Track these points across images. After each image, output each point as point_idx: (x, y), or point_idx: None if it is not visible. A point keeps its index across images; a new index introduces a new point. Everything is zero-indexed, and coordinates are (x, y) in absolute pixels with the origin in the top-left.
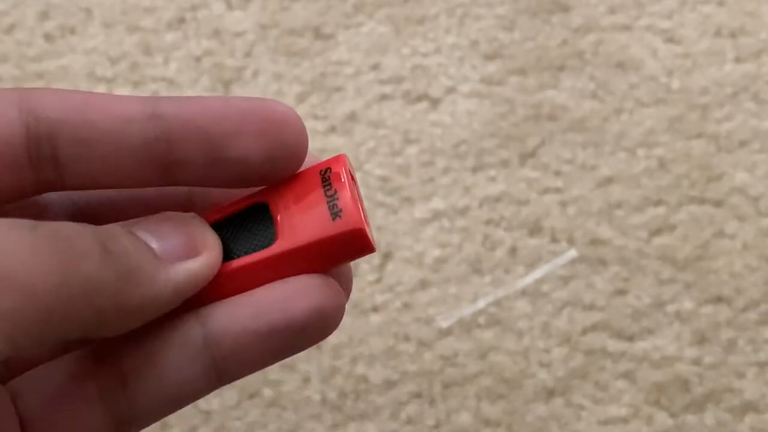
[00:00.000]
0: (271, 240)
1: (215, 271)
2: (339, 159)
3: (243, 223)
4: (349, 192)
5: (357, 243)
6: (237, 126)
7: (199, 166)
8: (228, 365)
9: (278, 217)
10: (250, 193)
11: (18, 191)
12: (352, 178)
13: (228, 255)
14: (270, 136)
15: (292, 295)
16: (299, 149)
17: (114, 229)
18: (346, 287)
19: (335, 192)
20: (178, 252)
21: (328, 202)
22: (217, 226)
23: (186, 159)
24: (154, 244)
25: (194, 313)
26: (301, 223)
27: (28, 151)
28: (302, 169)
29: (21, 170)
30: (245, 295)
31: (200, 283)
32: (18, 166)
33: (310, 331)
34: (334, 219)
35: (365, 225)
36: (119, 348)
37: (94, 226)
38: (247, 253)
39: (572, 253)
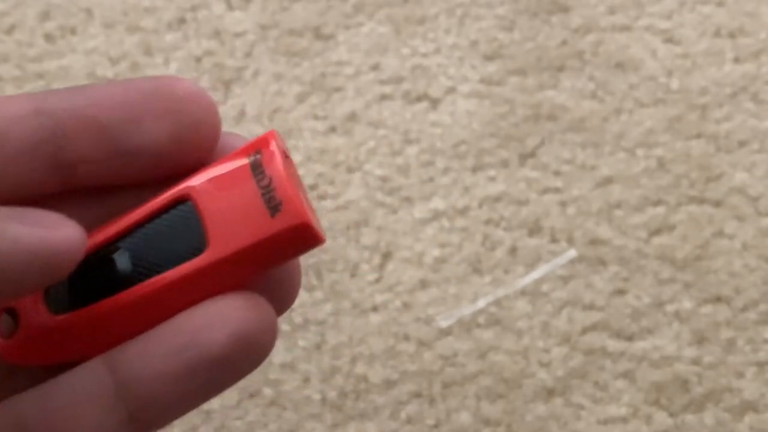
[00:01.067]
0: (201, 245)
1: (74, 247)
2: (268, 138)
3: (167, 227)
4: (286, 179)
5: (303, 238)
6: (134, 110)
7: (98, 162)
8: (147, 415)
9: (207, 218)
10: (170, 188)
11: None
12: (286, 156)
13: (152, 269)
14: (173, 115)
15: (208, 325)
16: (209, 126)
17: None
18: (286, 296)
19: (270, 180)
20: (28, 220)
21: (263, 195)
22: (137, 233)
23: (82, 156)
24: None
25: (103, 359)
26: (234, 222)
27: None
28: (223, 149)
29: None
30: (159, 329)
31: (56, 254)
32: None
33: (235, 363)
34: (273, 214)
35: (310, 216)
36: (23, 404)
37: None
38: (174, 264)
39: (572, 253)
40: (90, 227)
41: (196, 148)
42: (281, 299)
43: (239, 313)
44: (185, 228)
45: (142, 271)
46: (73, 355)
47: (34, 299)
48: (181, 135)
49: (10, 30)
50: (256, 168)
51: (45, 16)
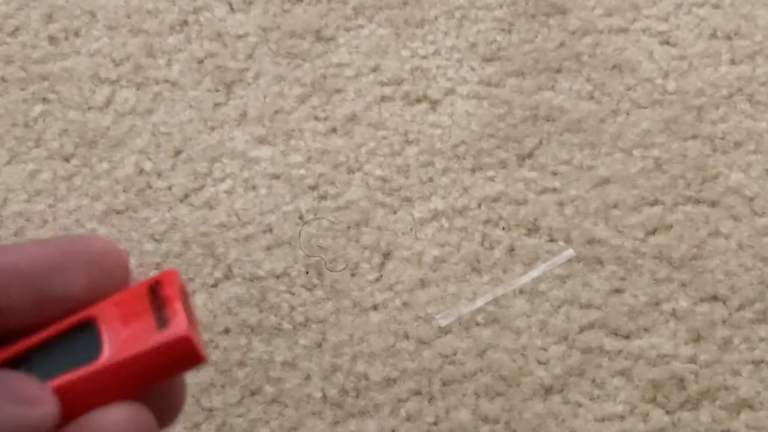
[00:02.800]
0: (94, 355)
1: (51, 422)
2: (168, 272)
3: (68, 342)
4: (176, 301)
5: (184, 352)
6: (56, 264)
7: (24, 309)
8: None
9: (104, 333)
10: (79, 312)
11: None
12: (182, 290)
13: (48, 375)
14: (89, 267)
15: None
16: (120, 275)
17: None
18: (170, 410)
19: (163, 302)
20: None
21: (154, 312)
22: (41, 347)
23: (11, 305)
24: None
25: None
26: (126, 335)
27: None
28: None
29: None
30: None
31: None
32: None
33: None
34: (159, 328)
35: (193, 332)
36: None
37: None
38: (67, 370)
39: (569, 252)
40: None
41: (108, 293)
42: (164, 412)
43: (120, 424)
44: (84, 341)
45: (44, 375)
46: None
47: None
48: (97, 285)
49: (14, 32)
50: (153, 293)
51: (49, 18)
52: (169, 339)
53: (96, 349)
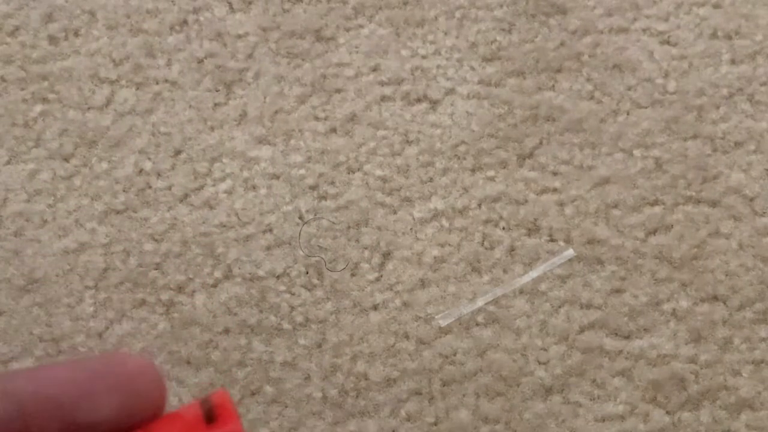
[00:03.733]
0: None
1: None
2: (220, 394)
3: None
4: (232, 413)
5: None
6: (86, 387)
7: (55, 430)
8: None
9: None
10: None
11: None
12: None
13: None
14: (120, 391)
15: None
16: (155, 398)
17: None
18: None
19: (218, 419)
20: None
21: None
22: None
23: (41, 427)
24: None
25: None
26: None
27: None
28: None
29: None
30: None
31: None
32: None
33: None
34: None
35: None
36: None
37: None
38: None
39: (570, 252)
40: None
41: (143, 417)
42: None
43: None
44: None
45: None
46: None
47: None
48: (129, 408)
49: (14, 32)
50: (208, 411)
51: (48, 18)
52: None
53: None
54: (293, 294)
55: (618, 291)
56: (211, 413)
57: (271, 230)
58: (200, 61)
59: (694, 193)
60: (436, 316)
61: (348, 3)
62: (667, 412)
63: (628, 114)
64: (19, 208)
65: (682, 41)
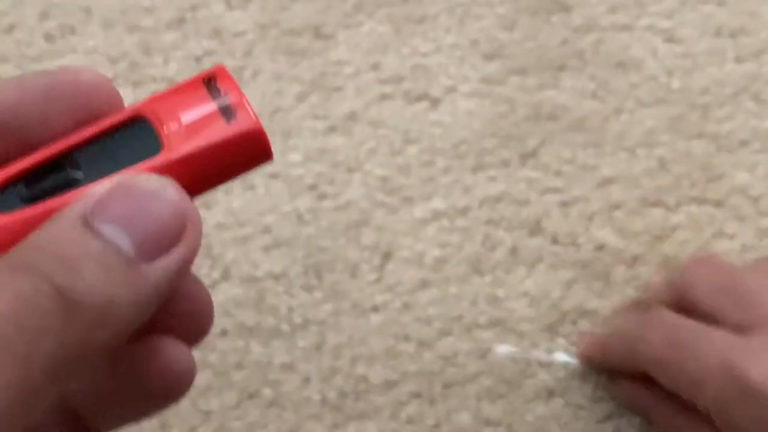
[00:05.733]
0: (155, 150)
1: (196, 254)
2: (219, 68)
3: (119, 140)
4: (239, 93)
5: (255, 146)
6: (38, 109)
7: (10, 156)
8: None
9: (162, 128)
10: (125, 108)
11: None
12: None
13: (105, 172)
14: (74, 111)
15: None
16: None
17: (71, 246)
18: (202, 324)
19: (225, 94)
20: (155, 246)
21: (218, 106)
22: (91, 145)
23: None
24: (125, 243)
25: None
26: (189, 129)
27: None
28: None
29: None
30: None
31: (182, 274)
32: None
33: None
34: (228, 121)
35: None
36: None
37: (47, 258)
38: (126, 166)
39: (567, 359)
40: None
41: None
42: (192, 331)
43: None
44: (140, 138)
45: (95, 175)
46: None
47: None
48: (85, 123)
49: (10, 29)
50: (211, 85)
51: (44, 15)
52: (239, 131)
53: (155, 145)
54: (292, 295)
55: (619, 293)
56: (212, 84)
57: (269, 230)
58: (198, 59)
59: (698, 193)
60: (495, 346)
61: (347, 0)
62: None
63: (631, 113)
64: None
65: (687, 39)
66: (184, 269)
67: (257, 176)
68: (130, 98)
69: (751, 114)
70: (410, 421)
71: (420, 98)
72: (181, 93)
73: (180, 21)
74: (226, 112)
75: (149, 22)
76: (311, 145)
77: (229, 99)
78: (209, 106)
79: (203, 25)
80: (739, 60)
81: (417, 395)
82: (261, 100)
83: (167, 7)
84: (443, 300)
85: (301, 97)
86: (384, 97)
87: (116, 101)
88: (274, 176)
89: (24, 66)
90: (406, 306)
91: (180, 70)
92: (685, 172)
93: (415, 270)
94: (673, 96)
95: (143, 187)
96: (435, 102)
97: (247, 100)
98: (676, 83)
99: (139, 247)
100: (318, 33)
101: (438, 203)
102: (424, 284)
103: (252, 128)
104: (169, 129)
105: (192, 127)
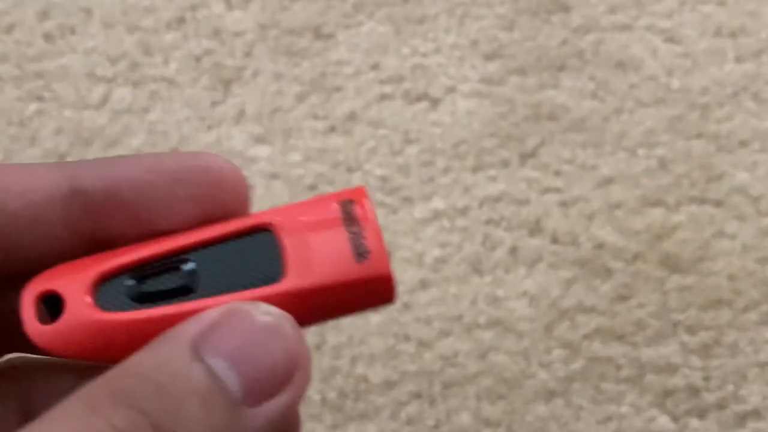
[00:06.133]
0: (277, 273)
1: (302, 400)
2: (360, 191)
3: (242, 250)
4: (377, 231)
5: (382, 291)
6: (165, 193)
7: (129, 238)
8: None
9: (287, 249)
10: (251, 214)
11: None
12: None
13: (220, 287)
14: (201, 200)
15: None
16: (238, 209)
17: (177, 380)
18: None
19: (360, 229)
20: (263, 389)
21: (351, 240)
22: (209, 249)
23: (117, 232)
24: (233, 382)
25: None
26: (316, 258)
27: None
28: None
29: None
30: None
31: (284, 420)
32: None
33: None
34: (358, 259)
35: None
36: None
37: (151, 392)
38: (245, 287)
39: None
40: None
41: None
42: None
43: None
44: (262, 255)
45: (209, 286)
46: (115, 355)
47: (81, 289)
48: (210, 216)
49: (10, 29)
50: (347, 213)
51: (44, 15)
52: (369, 275)
53: (277, 268)
54: None
55: (621, 295)
56: (349, 210)
57: None
58: (198, 59)
59: (698, 193)
60: None
61: (347, 0)
62: (673, 419)
63: (631, 113)
64: None
65: (686, 39)
66: (287, 415)
67: (257, 176)
68: (129, 98)
69: (751, 114)
70: (410, 421)
71: (420, 98)
72: (314, 210)
73: (180, 21)
74: (360, 249)
75: (149, 22)
76: (311, 145)
77: (365, 236)
78: (342, 238)
79: (203, 25)
80: (739, 60)
81: (417, 395)
82: (261, 100)
83: (167, 7)
84: (443, 300)
85: (301, 97)
86: (384, 97)
87: (245, 195)
88: (274, 176)
89: (23, 66)
90: (406, 306)
91: (180, 70)
92: (685, 172)
93: (415, 270)
94: (672, 96)
95: (260, 321)
96: (435, 102)
97: (383, 240)
98: (675, 83)
99: (247, 389)
100: (318, 33)
101: (438, 203)
102: (424, 284)
103: (383, 275)
104: (294, 252)
105: (320, 256)
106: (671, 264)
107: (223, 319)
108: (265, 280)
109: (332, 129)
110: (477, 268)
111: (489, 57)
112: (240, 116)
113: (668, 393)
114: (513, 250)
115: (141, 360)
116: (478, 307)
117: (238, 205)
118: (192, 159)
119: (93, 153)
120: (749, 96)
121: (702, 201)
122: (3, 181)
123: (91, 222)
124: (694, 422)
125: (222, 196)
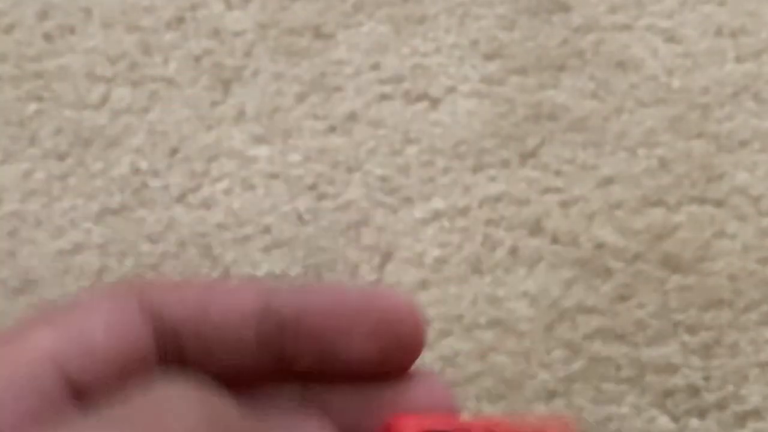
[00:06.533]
0: None
1: None
2: (565, 425)
3: None
4: None
5: None
6: (346, 323)
7: (310, 361)
8: None
9: None
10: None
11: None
12: None
13: None
14: (382, 335)
15: None
16: (414, 345)
17: None
18: None
19: None
20: None
21: None
22: None
23: (298, 354)
24: None
25: None
26: None
27: (158, 352)
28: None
29: (151, 369)
30: None
31: None
32: (150, 365)
33: None
34: None
35: None
36: None
37: None
38: None
39: None
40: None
41: (396, 364)
42: None
43: None
44: None
45: None
46: None
47: None
48: (385, 354)
49: (9, 29)
50: None
51: (43, 15)
52: None
53: None
54: None
55: (622, 295)
56: None
57: (269, 231)
58: (197, 59)
59: (698, 193)
60: None
61: (347, 0)
62: (673, 419)
63: (631, 112)
64: (13, 208)
65: (687, 39)
66: None
67: (257, 176)
68: (129, 98)
69: (752, 114)
70: None
71: (420, 98)
72: None
73: (180, 21)
74: None
75: (149, 22)
76: (311, 145)
77: None
78: None
79: (203, 25)
80: (739, 60)
81: None
82: (261, 100)
83: (167, 7)
84: (443, 300)
85: (301, 97)
86: (384, 97)
87: (421, 334)
88: (274, 176)
89: (23, 66)
90: None
91: (180, 69)
92: (686, 172)
93: (415, 270)
94: (673, 96)
95: None
96: (435, 102)
97: None
98: (676, 83)
99: None
100: (318, 33)
101: (438, 203)
102: (424, 284)
103: None
104: None
105: None
106: (672, 264)
107: None
108: None
109: (332, 129)
110: (477, 268)
111: (489, 57)
112: (240, 116)
113: (668, 393)
114: (513, 250)
115: None
116: (479, 308)
117: (412, 342)
118: (375, 295)
119: (93, 153)
120: (750, 96)
121: (702, 201)
122: (208, 296)
123: (279, 342)
124: (695, 422)
125: (399, 333)
